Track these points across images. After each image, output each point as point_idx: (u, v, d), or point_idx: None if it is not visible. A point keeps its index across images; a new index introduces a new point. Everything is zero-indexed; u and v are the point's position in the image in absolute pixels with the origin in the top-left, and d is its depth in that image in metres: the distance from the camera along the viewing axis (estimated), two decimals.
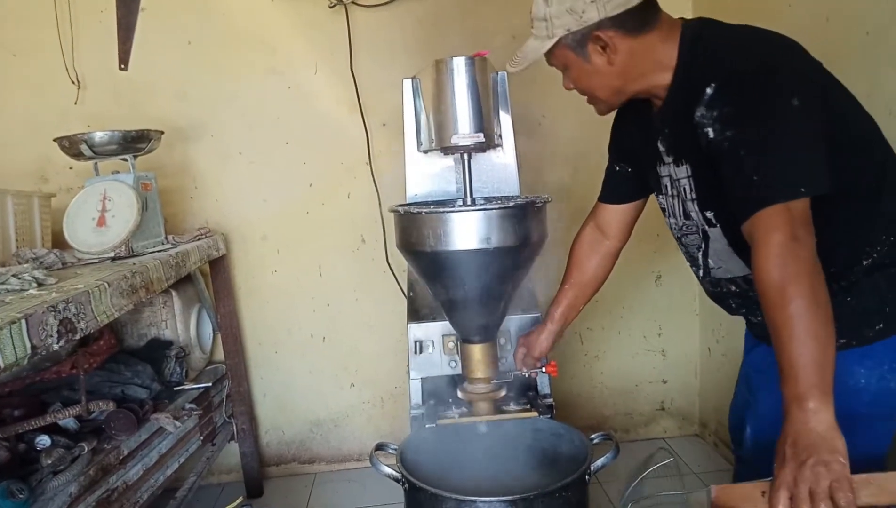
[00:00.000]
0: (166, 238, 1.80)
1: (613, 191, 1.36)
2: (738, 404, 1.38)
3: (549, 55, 1.09)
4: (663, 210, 1.25)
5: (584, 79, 1.10)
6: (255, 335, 2.28)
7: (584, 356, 2.38)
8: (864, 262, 1.04)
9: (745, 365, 1.34)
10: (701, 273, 1.22)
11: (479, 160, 1.56)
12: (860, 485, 0.84)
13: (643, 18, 1.03)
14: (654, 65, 1.05)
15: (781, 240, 0.89)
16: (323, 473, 2.36)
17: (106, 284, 1.19)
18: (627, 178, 1.32)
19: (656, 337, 2.39)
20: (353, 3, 2.08)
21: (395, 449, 1.34)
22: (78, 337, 1.04)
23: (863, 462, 1.05)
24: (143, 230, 1.67)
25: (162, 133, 1.81)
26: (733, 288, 1.17)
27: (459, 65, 1.36)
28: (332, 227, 2.23)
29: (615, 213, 1.37)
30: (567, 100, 1.31)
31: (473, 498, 1.15)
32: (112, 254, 1.58)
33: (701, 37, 1.03)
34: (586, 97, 1.15)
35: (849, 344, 1.04)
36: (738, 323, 1.29)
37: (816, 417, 0.84)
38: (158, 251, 1.69)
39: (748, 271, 1.06)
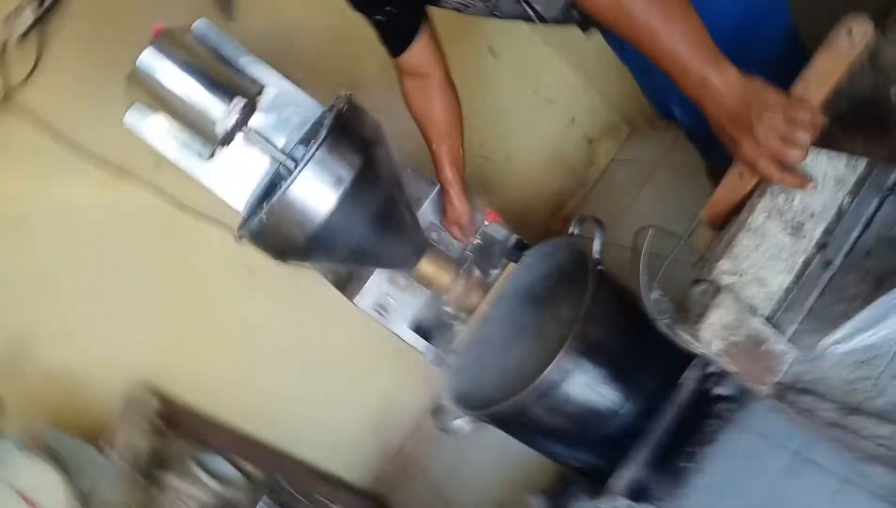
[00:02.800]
0: None
1: (395, 39, 1.22)
2: (654, 90, 1.33)
3: None
4: (458, 9, 1.15)
5: None
6: None
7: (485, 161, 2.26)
8: None
9: (629, 59, 1.26)
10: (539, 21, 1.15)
11: (263, 117, 1.32)
12: (800, 92, 0.81)
13: None
14: None
15: None
16: None
17: None
18: (398, 19, 1.18)
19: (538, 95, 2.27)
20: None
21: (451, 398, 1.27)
22: None
23: (781, 43, 1.05)
24: None
25: None
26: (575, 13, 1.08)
27: (150, 61, 1.08)
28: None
29: (416, 55, 1.23)
30: None
31: None
32: None
33: None
34: None
35: None
36: None
37: (725, 82, 0.79)
38: None
39: None
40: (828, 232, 0.81)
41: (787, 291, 0.80)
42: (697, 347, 0.79)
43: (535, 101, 2.30)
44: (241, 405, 2.03)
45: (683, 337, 0.80)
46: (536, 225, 2.30)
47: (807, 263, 0.81)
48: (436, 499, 1.94)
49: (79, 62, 1.74)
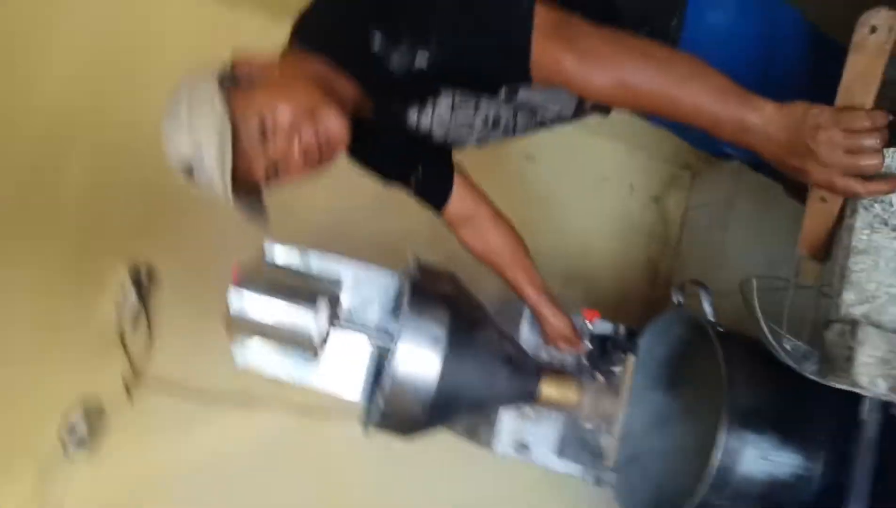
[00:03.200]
0: None
1: (434, 197, 1.26)
2: (697, 140, 1.34)
3: None
4: (479, 144, 1.18)
5: None
6: None
7: (563, 261, 2.25)
8: None
9: (660, 122, 1.27)
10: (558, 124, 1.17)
11: (349, 304, 1.38)
12: (845, 100, 0.79)
13: None
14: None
15: (571, 58, 0.80)
16: None
17: None
18: (430, 178, 1.23)
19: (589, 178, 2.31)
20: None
21: None
22: None
23: (800, 45, 1.04)
24: None
25: None
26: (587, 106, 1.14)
27: (236, 300, 1.17)
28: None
29: (457, 204, 1.27)
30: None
31: None
32: None
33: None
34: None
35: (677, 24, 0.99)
36: None
37: (765, 119, 0.76)
38: None
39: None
40: None
41: None
42: (860, 391, 0.72)
43: (588, 184, 2.32)
44: None
45: (839, 384, 0.74)
46: (639, 302, 2.23)
47: None
48: None
49: (184, 322, 1.94)
